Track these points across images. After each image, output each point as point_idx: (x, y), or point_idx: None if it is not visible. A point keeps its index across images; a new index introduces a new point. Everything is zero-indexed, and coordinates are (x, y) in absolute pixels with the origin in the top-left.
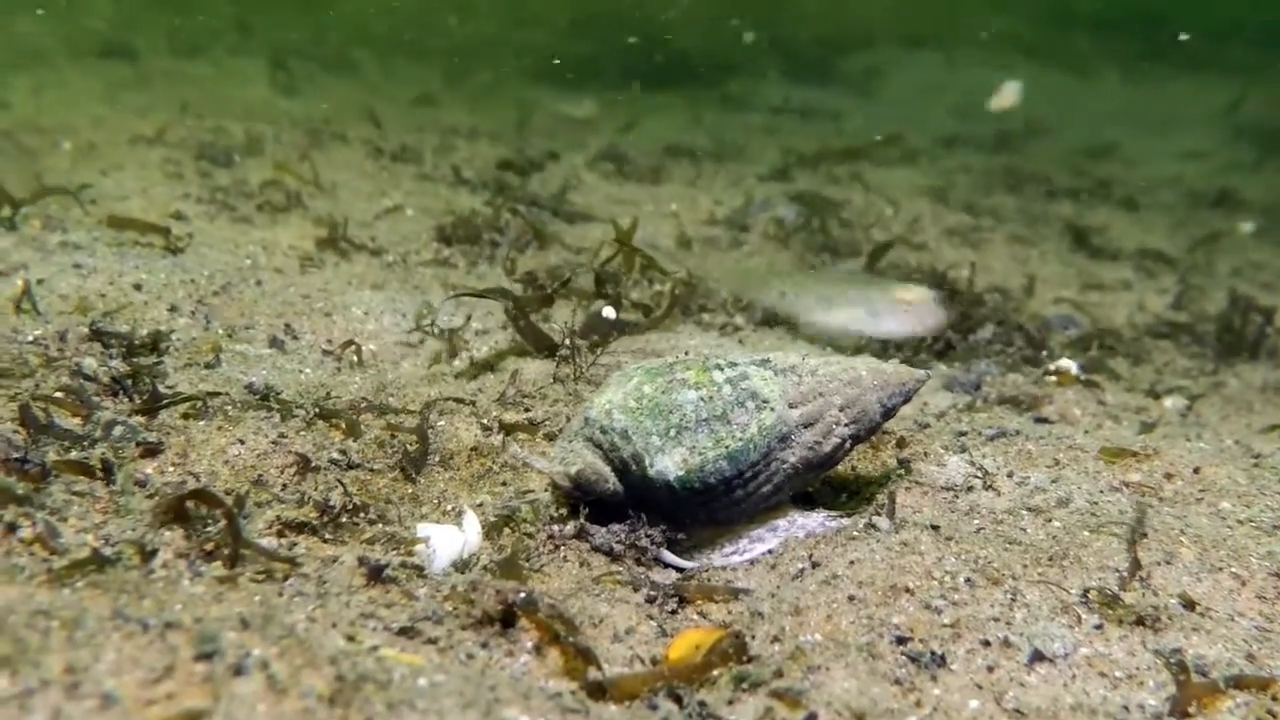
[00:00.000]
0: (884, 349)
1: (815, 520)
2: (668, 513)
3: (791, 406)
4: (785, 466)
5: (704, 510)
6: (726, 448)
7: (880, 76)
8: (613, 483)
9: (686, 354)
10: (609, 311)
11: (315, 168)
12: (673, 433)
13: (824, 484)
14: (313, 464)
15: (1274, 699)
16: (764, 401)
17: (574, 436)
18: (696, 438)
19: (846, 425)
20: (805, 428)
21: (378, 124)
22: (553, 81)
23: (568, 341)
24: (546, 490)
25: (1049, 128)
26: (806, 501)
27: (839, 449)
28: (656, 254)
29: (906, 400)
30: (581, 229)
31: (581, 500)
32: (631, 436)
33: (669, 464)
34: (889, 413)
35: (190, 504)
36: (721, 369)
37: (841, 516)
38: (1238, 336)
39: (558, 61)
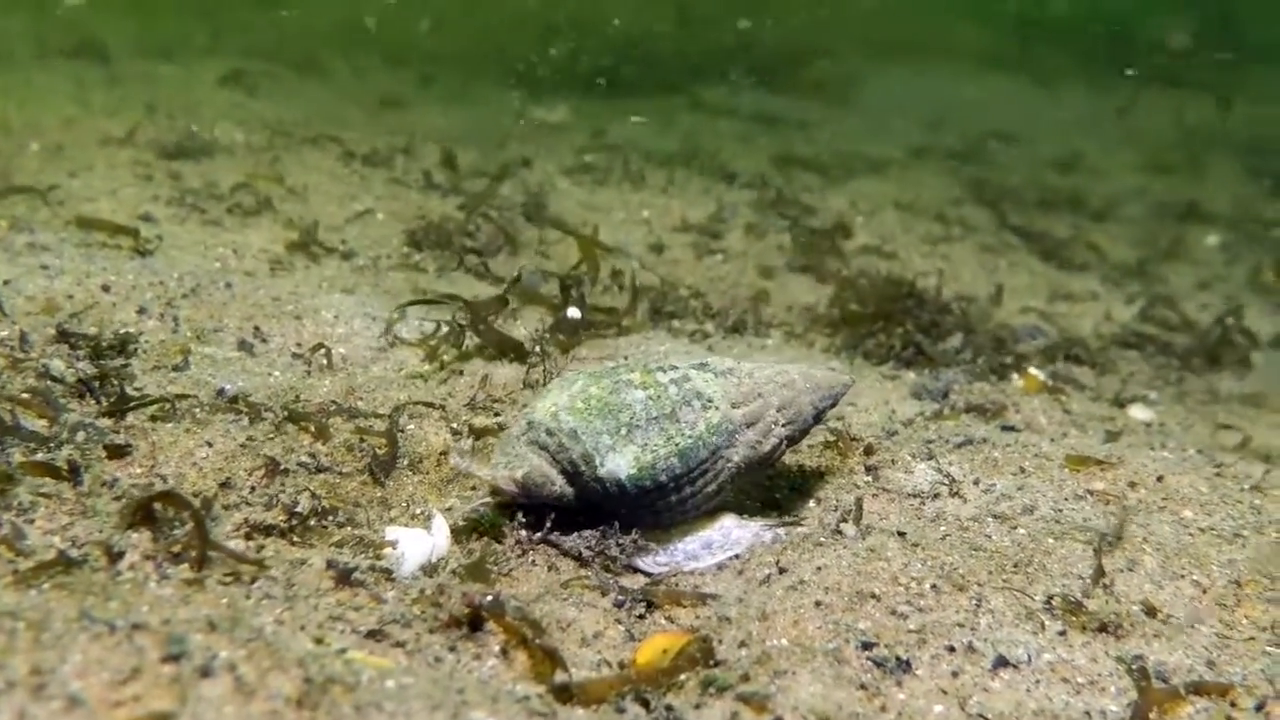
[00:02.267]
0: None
1: (749, 531)
2: (614, 514)
3: (734, 406)
4: (730, 465)
5: (649, 511)
6: (677, 445)
7: (852, 86)
8: (560, 485)
9: (626, 359)
10: (573, 312)
11: (286, 171)
12: (623, 431)
13: (791, 489)
14: (281, 467)
15: (1233, 705)
16: (709, 401)
17: (516, 441)
18: (648, 435)
19: (784, 426)
20: (748, 427)
21: (337, 140)
22: (525, 86)
23: (538, 348)
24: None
25: (1017, 138)
26: (772, 506)
27: (776, 449)
28: (627, 261)
29: (834, 404)
30: (553, 233)
31: (526, 505)
32: (581, 436)
33: (621, 462)
34: (819, 415)
35: (158, 506)
36: (665, 371)
37: (777, 527)
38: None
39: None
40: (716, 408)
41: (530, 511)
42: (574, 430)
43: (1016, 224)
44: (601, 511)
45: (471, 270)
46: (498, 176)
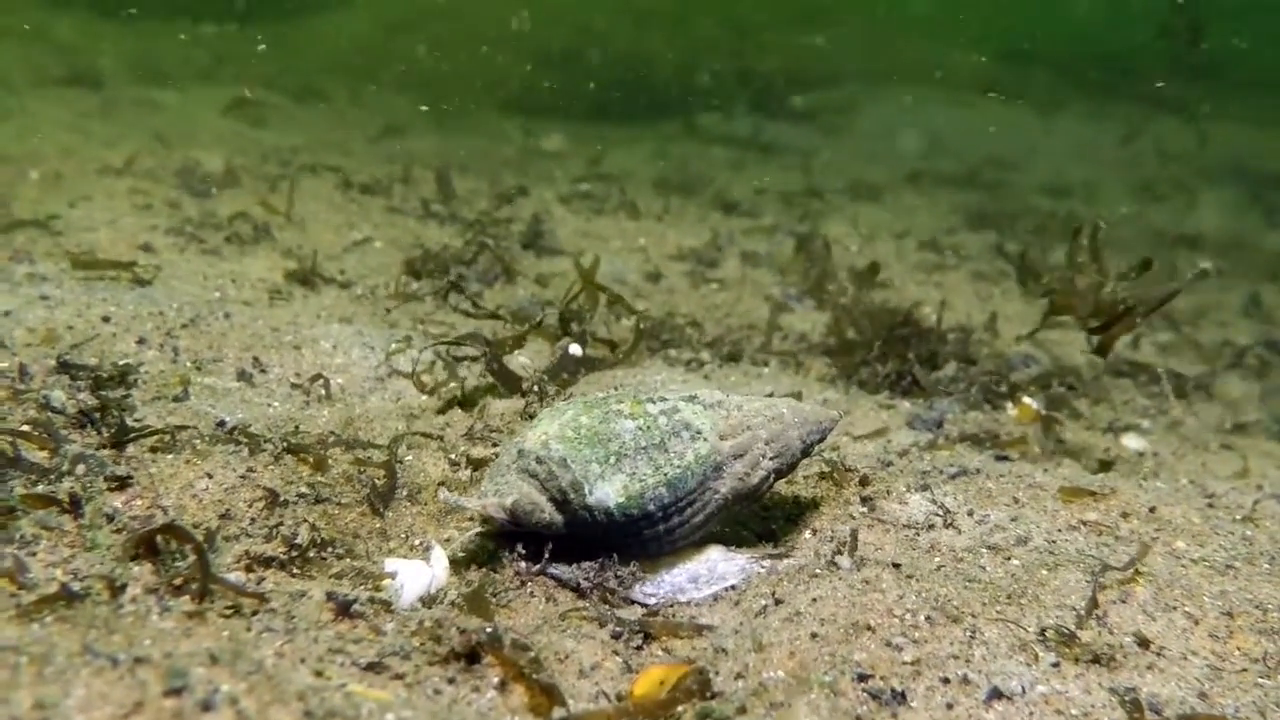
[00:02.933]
0: None
1: (735, 566)
2: (602, 543)
3: (722, 438)
4: (717, 497)
5: (636, 540)
6: (665, 475)
7: (846, 113)
8: (549, 512)
9: (617, 389)
10: (575, 349)
11: (288, 200)
12: (613, 460)
13: (786, 520)
14: (281, 498)
15: None
16: (697, 432)
17: (506, 470)
18: (636, 464)
19: (771, 459)
20: (736, 459)
21: (336, 169)
22: (523, 114)
23: (536, 387)
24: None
25: (1012, 165)
26: (768, 537)
27: (764, 481)
28: (623, 289)
29: (822, 439)
30: (550, 262)
31: (517, 534)
32: (570, 464)
33: (609, 490)
34: (807, 449)
35: (160, 539)
36: (654, 402)
37: (762, 560)
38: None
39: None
40: (705, 439)
41: (530, 543)
42: (563, 458)
43: (1010, 251)
44: (589, 540)
45: (458, 309)
46: (499, 215)
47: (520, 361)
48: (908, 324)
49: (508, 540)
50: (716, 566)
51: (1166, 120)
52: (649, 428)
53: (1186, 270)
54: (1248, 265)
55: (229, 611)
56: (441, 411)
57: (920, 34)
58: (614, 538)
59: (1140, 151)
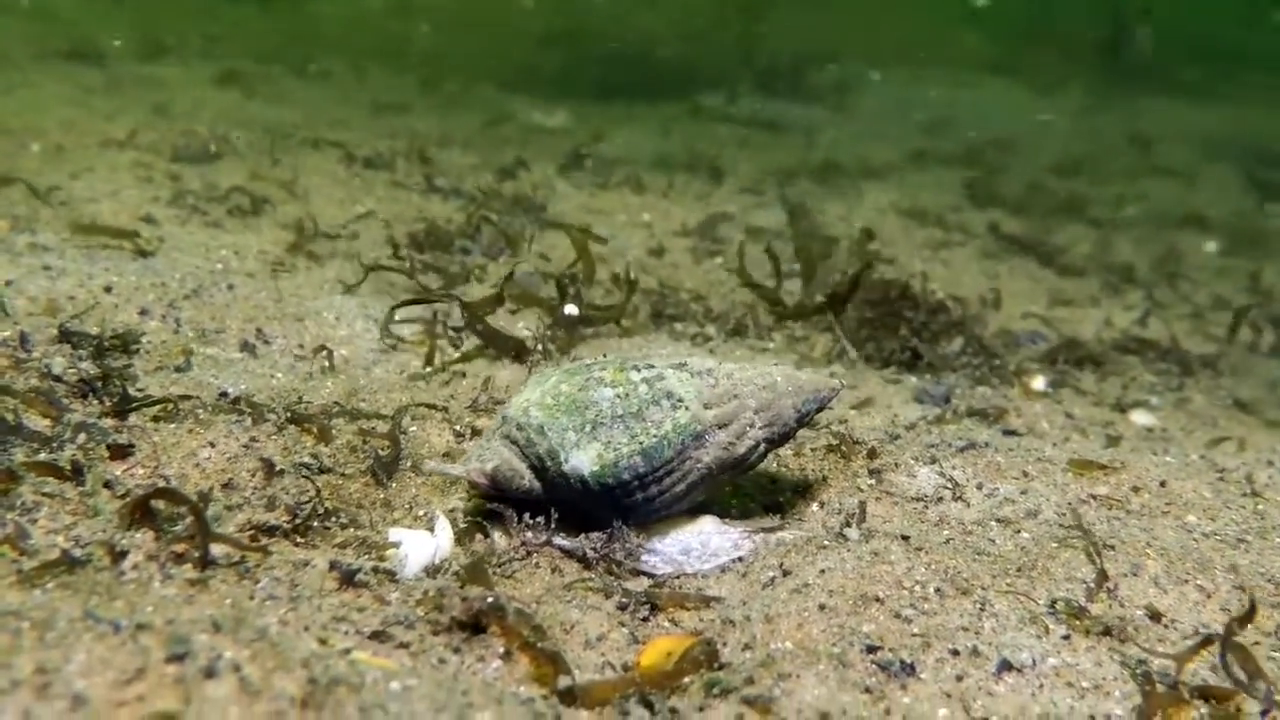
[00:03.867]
0: None
1: (729, 541)
2: (582, 510)
3: (706, 407)
4: (700, 466)
5: (615, 509)
6: (641, 444)
7: (851, 91)
8: (528, 479)
9: (605, 355)
10: (570, 309)
11: (290, 173)
12: (588, 428)
13: (794, 492)
14: (284, 468)
15: (1237, 709)
16: (679, 400)
17: (491, 435)
18: (611, 433)
19: (761, 428)
20: (720, 428)
21: (338, 144)
22: (526, 91)
23: (540, 346)
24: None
25: (1017, 144)
26: (776, 509)
27: (753, 451)
28: (622, 259)
29: (821, 408)
30: (554, 237)
31: (499, 499)
32: (547, 432)
33: (583, 459)
34: (803, 419)
35: (156, 503)
36: (639, 369)
37: (755, 534)
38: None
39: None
40: (686, 408)
41: (538, 512)
42: (541, 426)
43: (1016, 229)
44: (570, 507)
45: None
46: (502, 190)
47: (524, 334)
48: (907, 297)
49: (514, 509)
50: (710, 540)
51: (1159, 100)
52: (628, 395)
53: (1190, 250)
54: (1248, 244)
55: (232, 579)
56: (445, 383)
57: (923, 13)
58: (592, 505)
59: (1135, 131)
